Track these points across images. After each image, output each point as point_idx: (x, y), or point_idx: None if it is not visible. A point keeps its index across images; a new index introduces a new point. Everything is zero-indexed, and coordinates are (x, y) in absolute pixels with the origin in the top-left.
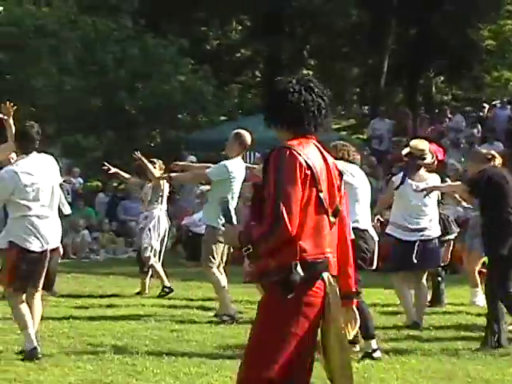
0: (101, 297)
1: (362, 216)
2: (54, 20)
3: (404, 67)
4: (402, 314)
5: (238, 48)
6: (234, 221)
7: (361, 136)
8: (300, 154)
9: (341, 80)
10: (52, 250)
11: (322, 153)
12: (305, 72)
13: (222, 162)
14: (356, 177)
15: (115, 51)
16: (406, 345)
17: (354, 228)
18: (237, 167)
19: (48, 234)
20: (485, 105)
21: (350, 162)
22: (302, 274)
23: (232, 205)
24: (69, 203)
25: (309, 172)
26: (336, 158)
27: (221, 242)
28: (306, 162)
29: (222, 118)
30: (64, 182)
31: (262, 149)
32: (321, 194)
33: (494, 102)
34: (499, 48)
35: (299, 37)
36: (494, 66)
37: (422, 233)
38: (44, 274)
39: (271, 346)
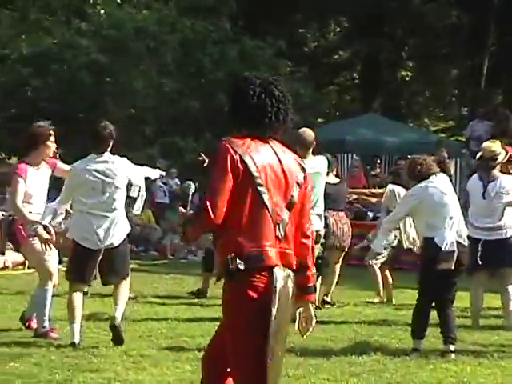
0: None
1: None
2: (154, 22)
3: (504, 68)
4: (502, 317)
5: (336, 49)
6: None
7: (460, 138)
8: (235, 149)
9: (439, 81)
10: (114, 248)
11: (275, 152)
12: (403, 73)
13: None
14: (431, 192)
15: (213, 53)
16: (507, 349)
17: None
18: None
19: (103, 233)
20: None
21: (428, 176)
22: (240, 266)
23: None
24: (166, 204)
25: (242, 167)
26: (410, 176)
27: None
28: (240, 157)
29: (319, 120)
30: (163, 183)
31: (359, 151)
32: (260, 189)
33: None
34: None
35: (397, 38)
36: None
37: (487, 232)
38: (109, 270)
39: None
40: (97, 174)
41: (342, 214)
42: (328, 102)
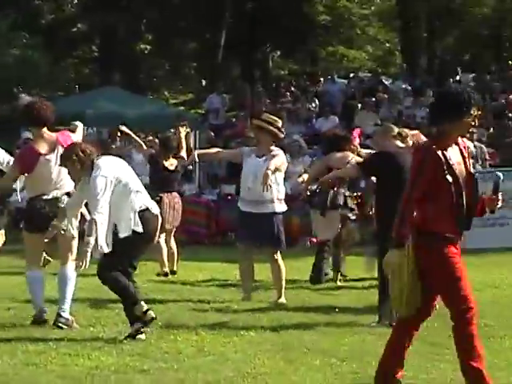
0: None
1: None
2: None
3: (241, 42)
4: None
5: (74, 22)
6: None
7: (199, 110)
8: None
9: (178, 55)
10: None
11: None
12: (142, 46)
13: None
14: None
15: None
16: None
17: None
18: None
19: None
20: (321, 79)
21: None
22: None
23: None
24: None
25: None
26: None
27: None
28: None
29: (59, 93)
30: None
31: (100, 124)
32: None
33: (328, 77)
34: (334, 23)
35: (136, 11)
36: (329, 41)
37: None
38: None
39: None
40: None
41: None
42: (67, 75)
